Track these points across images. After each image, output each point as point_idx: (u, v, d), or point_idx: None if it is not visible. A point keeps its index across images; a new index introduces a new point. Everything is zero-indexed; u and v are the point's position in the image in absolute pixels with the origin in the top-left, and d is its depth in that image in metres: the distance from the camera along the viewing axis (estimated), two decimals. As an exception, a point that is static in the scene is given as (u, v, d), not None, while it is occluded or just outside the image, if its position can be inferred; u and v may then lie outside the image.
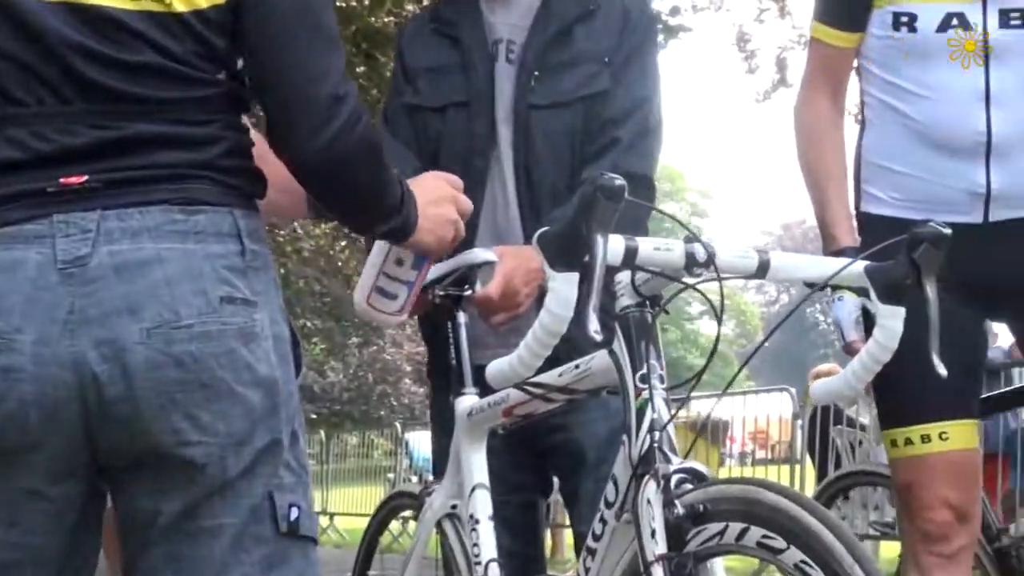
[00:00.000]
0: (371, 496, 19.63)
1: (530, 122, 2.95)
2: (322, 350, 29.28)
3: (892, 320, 2.15)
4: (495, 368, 2.19)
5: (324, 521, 18.71)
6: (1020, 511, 9.24)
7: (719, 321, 2.18)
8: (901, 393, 2.90)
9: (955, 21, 2.87)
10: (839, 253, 2.82)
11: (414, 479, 15.82)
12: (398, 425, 19.55)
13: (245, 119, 2.08)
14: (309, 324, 27.31)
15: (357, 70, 11.87)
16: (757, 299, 67.96)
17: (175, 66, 1.88)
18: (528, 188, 2.94)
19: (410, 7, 11.43)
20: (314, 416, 25.57)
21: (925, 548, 2.91)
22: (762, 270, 2.15)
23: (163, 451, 1.85)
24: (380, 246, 2.47)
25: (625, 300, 2.19)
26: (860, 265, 2.16)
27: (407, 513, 3.17)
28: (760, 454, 14.50)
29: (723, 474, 12.78)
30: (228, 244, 1.90)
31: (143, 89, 1.87)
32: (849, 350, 2.79)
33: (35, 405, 1.81)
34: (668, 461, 2.05)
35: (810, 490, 10.59)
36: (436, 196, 2.26)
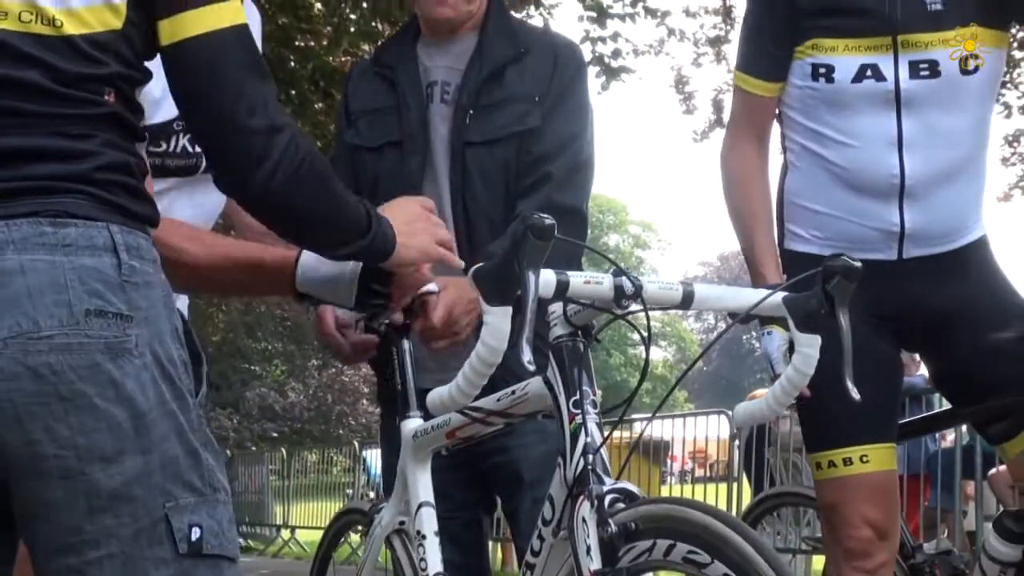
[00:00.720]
0: (330, 510, 19.57)
1: (466, 158, 2.97)
2: (283, 371, 29.20)
3: (809, 348, 2.17)
4: (436, 396, 2.21)
5: (286, 534, 18.69)
6: (940, 527, 9.31)
7: (647, 348, 2.18)
8: (824, 418, 2.94)
9: (869, 72, 2.93)
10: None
11: (371, 494, 15.79)
12: (356, 443, 19.52)
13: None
14: (271, 347, 27.21)
15: (316, 106, 11.85)
16: (696, 326, 68.20)
17: (57, 87, 1.77)
18: (466, 221, 2.96)
19: (365, 47, 11.43)
20: (275, 434, 25.48)
21: (848, 564, 2.94)
22: (686, 301, 2.15)
23: (21, 465, 1.70)
24: None
25: (558, 330, 2.21)
26: (779, 296, 2.17)
27: (358, 528, 3.17)
28: (699, 472, 14.59)
29: (664, 491, 12.96)
30: (102, 257, 1.73)
31: (21, 103, 1.76)
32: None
33: None
34: (601, 482, 2.06)
35: (746, 503, 10.74)
36: (409, 215, 2.28)
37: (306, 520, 18.53)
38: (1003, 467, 8.63)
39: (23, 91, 1.76)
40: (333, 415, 29.75)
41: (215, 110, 1.88)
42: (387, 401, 3.01)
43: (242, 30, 1.91)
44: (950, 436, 9.71)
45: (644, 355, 2.27)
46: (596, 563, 1.98)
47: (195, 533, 1.77)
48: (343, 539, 3.31)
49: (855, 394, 2.15)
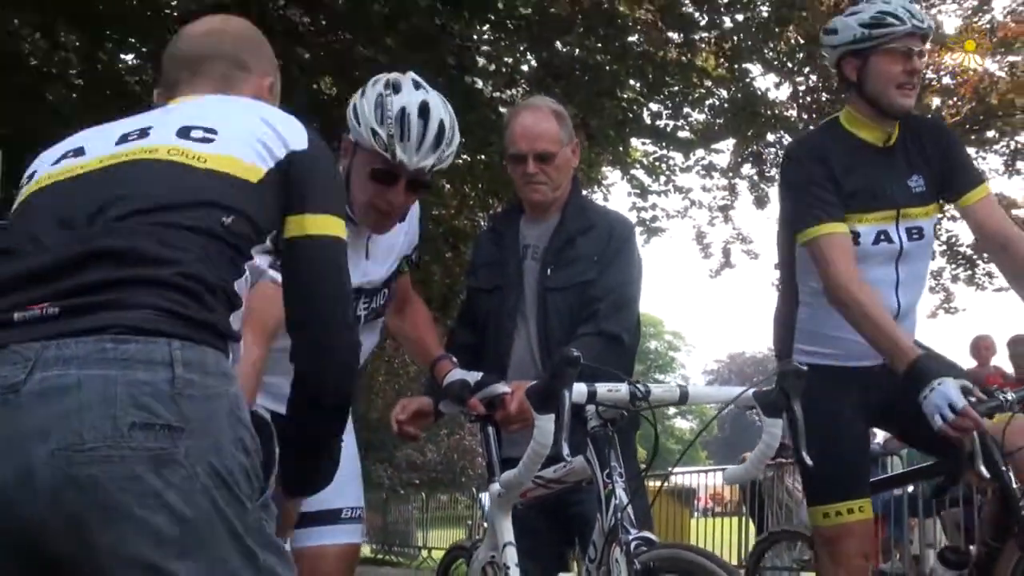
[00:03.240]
0: (455, 535, 19.44)
1: (547, 300, 2.99)
2: (423, 437, 29.14)
3: (773, 428, 2.17)
4: (507, 478, 2.32)
5: (425, 553, 18.51)
6: (893, 552, 9.08)
7: (655, 434, 2.23)
8: (831, 481, 2.90)
9: (883, 237, 2.94)
10: (913, 363, 2.67)
11: (484, 524, 15.65)
12: (474, 488, 19.48)
13: None
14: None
15: (446, 255, 11.99)
16: (713, 405, 66.71)
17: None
18: (545, 340, 2.96)
19: (481, 214, 11.57)
20: (417, 481, 25.30)
21: None
22: (683, 398, 2.22)
23: (76, 571, 1.35)
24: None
25: (592, 423, 2.22)
26: (749, 392, 2.18)
27: (461, 559, 3.15)
28: (718, 510, 14.38)
29: (691, 524, 12.80)
30: (157, 372, 1.38)
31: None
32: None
33: None
34: (628, 532, 2.07)
35: (751, 534, 10.57)
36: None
37: (439, 543, 18.39)
38: (953, 509, 8.47)
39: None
40: (457, 468, 29.67)
41: (320, 306, 1.68)
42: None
43: (341, 245, 1.72)
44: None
45: (679, 424, 2.30)
46: None
47: None
48: (454, 566, 3.28)
49: (808, 461, 2.13)
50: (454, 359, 2.93)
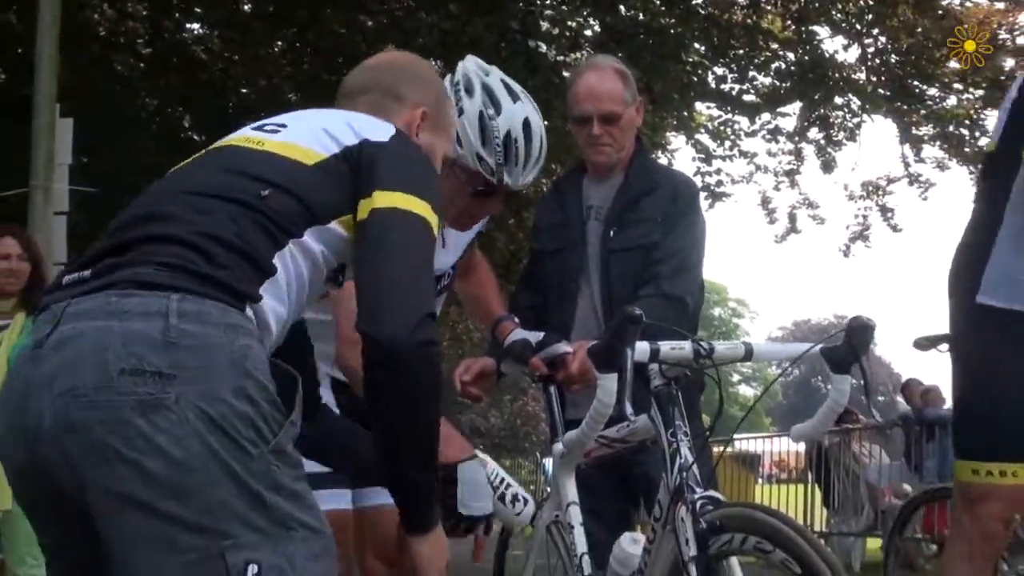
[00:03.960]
0: (518, 501, 19.56)
1: (610, 261, 2.93)
2: (486, 403, 29.39)
3: (841, 384, 2.09)
4: (569, 438, 2.31)
5: (487, 517, 18.65)
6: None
7: (720, 391, 2.21)
8: (993, 438, 2.69)
9: None
10: None
11: (547, 489, 15.67)
12: (537, 453, 19.52)
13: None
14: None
15: (509, 221, 11.92)
16: (776, 371, 66.47)
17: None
18: (608, 302, 2.91)
19: (544, 180, 11.46)
20: (481, 447, 25.54)
21: (985, 543, 2.73)
22: (748, 355, 2.17)
23: (83, 506, 1.42)
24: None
25: (656, 381, 2.16)
26: (817, 348, 2.11)
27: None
28: (783, 476, 14.31)
29: (756, 491, 12.70)
30: (152, 322, 1.42)
31: None
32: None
33: (11, 472, 1.51)
34: (693, 491, 2.04)
35: (817, 500, 10.46)
36: (442, 544, 1.74)
37: (502, 507, 18.54)
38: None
39: None
40: (521, 433, 29.85)
41: (379, 274, 1.58)
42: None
43: (416, 219, 1.62)
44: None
45: (744, 391, 2.21)
46: (693, 550, 1.97)
47: (252, 569, 1.40)
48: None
49: (878, 417, 2.08)
50: (516, 319, 2.88)
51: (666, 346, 2.12)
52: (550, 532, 2.76)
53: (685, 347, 2.13)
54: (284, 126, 1.74)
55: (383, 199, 1.62)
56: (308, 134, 1.71)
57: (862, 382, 2.10)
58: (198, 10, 9.97)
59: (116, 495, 1.38)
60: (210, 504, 1.39)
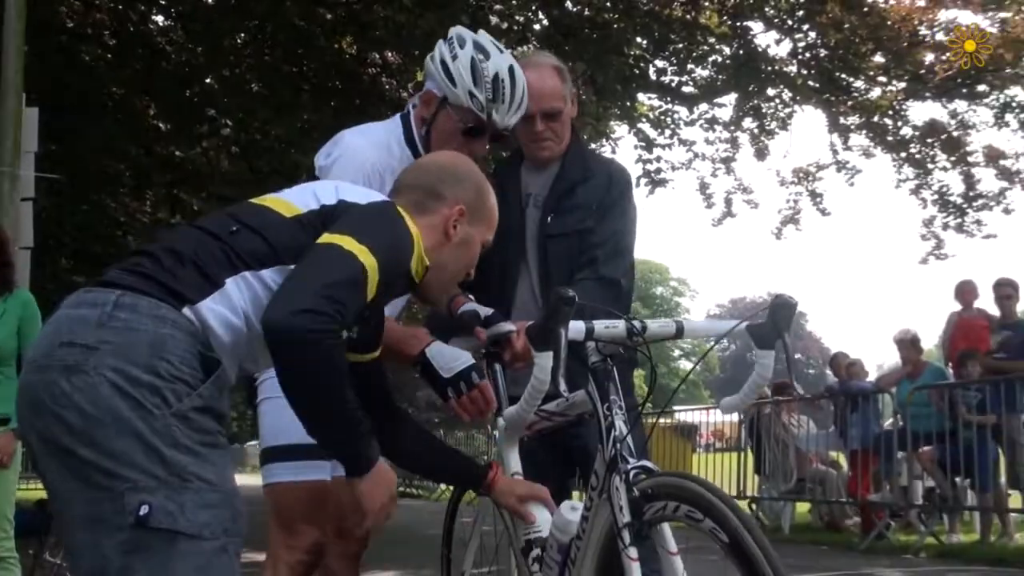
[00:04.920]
0: (472, 471, 19.64)
1: (547, 246, 2.94)
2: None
3: (764, 359, 2.13)
4: (510, 413, 2.30)
5: (442, 487, 18.71)
6: (884, 483, 9.15)
7: (652, 370, 2.17)
8: None
9: None
10: None
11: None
12: (489, 426, 19.57)
13: None
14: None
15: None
16: (718, 348, 67.16)
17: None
18: (546, 285, 2.91)
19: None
20: (436, 420, 25.49)
21: None
22: (679, 333, 2.18)
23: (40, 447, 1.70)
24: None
25: (593, 358, 2.17)
26: (743, 325, 2.14)
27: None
28: (719, 445, 14.46)
29: (694, 459, 12.88)
30: (95, 309, 1.69)
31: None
32: None
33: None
34: (627, 462, 2.04)
35: (750, 467, 10.64)
36: (390, 478, 1.94)
37: (456, 477, 18.59)
38: (927, 448, 8.51)
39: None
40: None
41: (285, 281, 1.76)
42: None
43: (339, 251, 1.75)
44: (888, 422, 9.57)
45: (684, 365, 2.22)
46: (627, 517, 1.98)
47: (143, 509, 1.61)
48: (466, 495, 3.28)
49: (800, 390, 2.11)
50: (470, 296, 2.85)
51: (600, 325, 2.11)
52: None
53: (619, 326, 2.13)
54: (290, 190, 1.98)
55: (326, 238, 1.79)
56: (299, 194, 1.93)
57: (785, 354, 2.12)
58: (163, 2, 9.90)
59: (50, 440, 1.65)
60: (115, 452, 1.62)
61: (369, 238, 1.79)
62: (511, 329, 2.65)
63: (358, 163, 2.59)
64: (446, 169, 2.16)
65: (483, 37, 2.73)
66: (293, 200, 1.91)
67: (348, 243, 1.77)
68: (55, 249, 11.40)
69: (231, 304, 1.77)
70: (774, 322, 2.08)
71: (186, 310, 1.73)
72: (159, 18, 10.41)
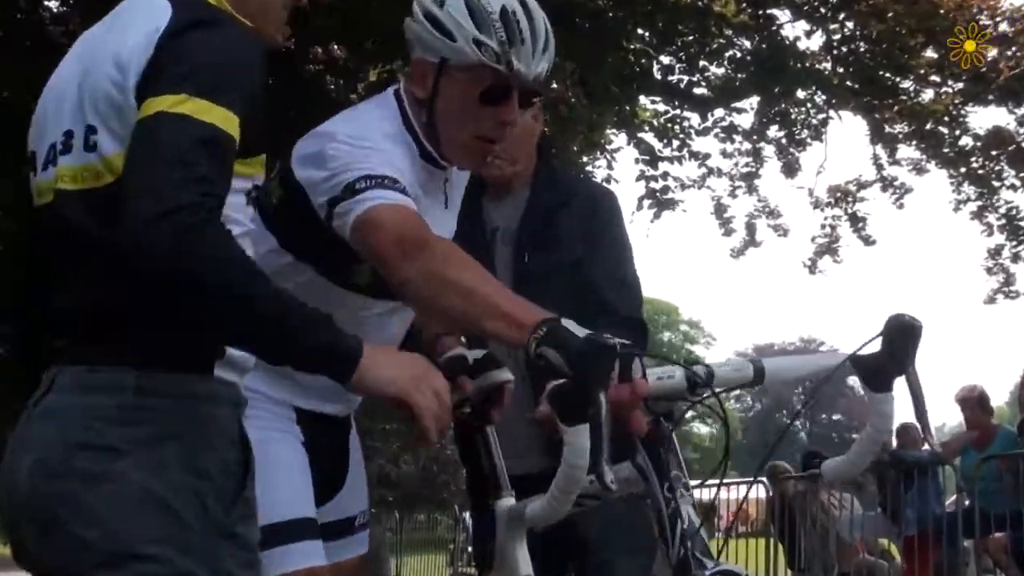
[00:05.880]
0: (435, 562, 19.46)
1: (530, 289, 2.67)
2: (398, 447, 29.25)
3: (884, 406, 1.93)
4: (534, 513, 2.05)
5: (398, 582, 18.59)
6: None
7: (726, 427, 2.05)
8: None
9: None
10: None
11: (470, 548, 15.68)
12: (456, 506, 19.48)
13: None
14: (387, 426, 27.25)
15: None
16: (736, 406, 67.30)
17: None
18: None
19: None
20: (390, 498, 25.33)
21: None
22: (759, 376, 1.97)
23: (27, 563, 1.72)
24: None
25: None
26: (848, 359, 1.94)
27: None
28: (743, 529, 14.37)
29: (712, 546, 12.73)
30: (114, 397, 1.67)
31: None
32: None
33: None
34: (704, 567, 1.91)
35: (780, 559, 10.50)
36: (405, 357, 1.85)
37: (415, 572, 18.39)
38: (999, 534, 8.48)
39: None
40: (438, 482, 29.77)
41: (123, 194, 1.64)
42: (478, 493, 2.81)
43: (180, 118, 1.63)
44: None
45: (697, 430, 2.13)
46: None
47: None
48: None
49: (937, 447, 1.97)
50: (463, 339, 2.66)
51: (652, 376, 1.90)
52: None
53: (676, 375, 1.93)
54: None
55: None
56: None
57: (912, 399, 1.93)
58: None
59: (48, 565, 1.69)
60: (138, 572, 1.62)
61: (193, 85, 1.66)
62: (507, 379, 2.53)
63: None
64: None
65: None
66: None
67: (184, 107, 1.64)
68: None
69: None
70: (892, 352, 1.87)
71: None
72: (52, 4, 10.40)
